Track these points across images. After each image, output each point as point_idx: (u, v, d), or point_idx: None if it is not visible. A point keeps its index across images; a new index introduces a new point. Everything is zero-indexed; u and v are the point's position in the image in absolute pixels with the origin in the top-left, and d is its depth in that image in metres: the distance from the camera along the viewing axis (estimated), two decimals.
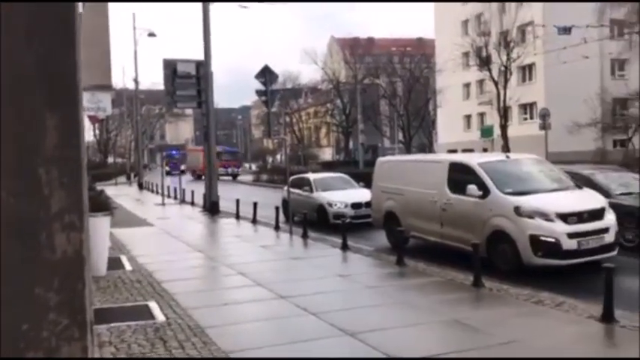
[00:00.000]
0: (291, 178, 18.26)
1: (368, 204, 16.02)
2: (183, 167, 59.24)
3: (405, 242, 11.55)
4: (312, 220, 15.32)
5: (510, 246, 9.17)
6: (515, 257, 9.11)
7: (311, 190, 17.26)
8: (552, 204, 9.28)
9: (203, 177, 48.83)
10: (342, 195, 16.67)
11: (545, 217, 9.04)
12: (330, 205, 16.22)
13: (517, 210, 9.19)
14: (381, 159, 14.41)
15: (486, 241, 9.44)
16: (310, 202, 16.83)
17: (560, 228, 8.94)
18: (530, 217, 9.09)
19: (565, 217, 9.07)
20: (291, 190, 16.49)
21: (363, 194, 16.72)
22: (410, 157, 16.55)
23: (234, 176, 48.86)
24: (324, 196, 16.69)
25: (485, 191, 9.72)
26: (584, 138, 39.18)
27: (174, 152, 63.30)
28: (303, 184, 17.81)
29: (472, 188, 9.83)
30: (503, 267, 9.20)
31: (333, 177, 19.18)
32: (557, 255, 8.89)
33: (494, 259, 9.36)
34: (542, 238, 8.89)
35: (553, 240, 8.86)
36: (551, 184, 10.31)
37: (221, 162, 49.80)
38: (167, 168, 54.84)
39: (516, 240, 9.08)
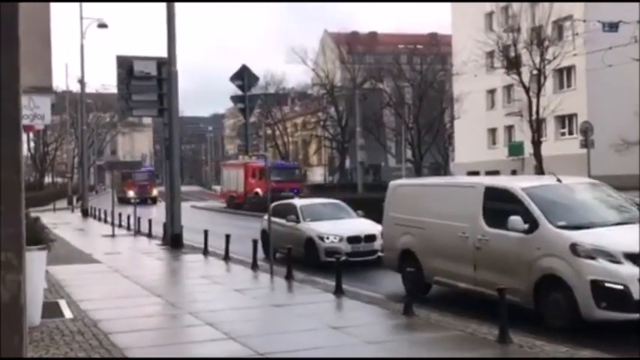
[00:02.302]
0: (273, 204, 18.25)
1: (369, 238, 16.05)
2: (155, 192, 55.95)
3: (427, 289, 11.45)
4: (298, 258, 15.30)
5: (565, 295, 8.83)
6: (572, 309, 8.75)
7: (297, 220, 17.19)
8: (618, 241, 8.91)
9: (245, 203, 43.48)
10: (336, 226, 16.59)
11: (611, 257, 8.70)
12: (322, 238, 16.13)
13: (574, 248, 8.86)
14: (394, 182, 13.92)
15: (534, 288, 9.17)
16: (296, 234, 16.80)
17: (630, 271, 8.47)
18: (592, 257, 8.76)
19: (635, 258, 8.66)
20: (273, 219, 16.49)
21: (362, 226, 16.73)
22: (433, 180, 15.96)
23: None
24: (313, 228, 16.61)
25: (533, 224, 9.42)
26: (634, 159, 39.53)
27: (146, 169, 60.60)
28: (287, 212, 17.70)
29: (515, 220, 9.52)
30: (556, 322, 8.92)
31: (325, 204, 19.15)
32: (627, 307, 8.45)
33: (544, 312, 9.11)
34: (608, 285, 8.52)
35: (621, 287, 8.45)
36: (616, 216, 10.04)
37: (269, 183, 45.25)
38: (131, 193, 53.16)
39: (573, 287, 8.74)
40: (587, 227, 9.31)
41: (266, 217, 17.91)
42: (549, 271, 9.07)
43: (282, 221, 17.30)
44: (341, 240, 15.99)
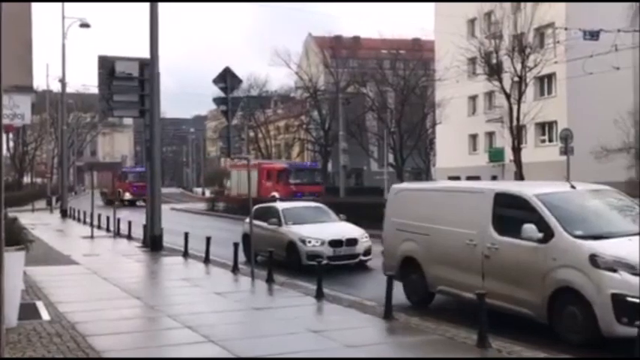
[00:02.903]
0: (255, 207, 18.18)
1: (350, 241, 16.14)
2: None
3: (431, 298, 11.20)
4: (279, 261, 15.26)
5: (582, 309, 8.34)
6: (590, 324, 8.26)
7: (279, 223, 17.15)
8: None
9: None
10: (318, 230, 16.57)
11: (633, 269, 8.17)
12: (303, 242, 16.10)
13: (594, 260, 8.35)
14: (396, 186, 13.37)
15: (548, 301, 8.75)
16: (278, 237, 16.74)
17: None
18: (612, 269, 8.25)
19: None
20: (255, 222, 16.44)
21: (344, 229, 16.77)
22: (438, 184, 15.37)
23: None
24: (295, 231, 16.58)
25: (548, 233, 8.93)
26: (613, 166, 39.97)
27: (140, 169, 58.81)
28: (269, 215, 17.69)
29: (529, 229, 9.02)
30: (571, 337, 8.50)
31: (307, 207, 19.21)
32: None
33: (558, 327, 8.67)
34: (630, 299, 8.02)
35: None
36: (634, 225, 9.40)
37: (288, 186, 39.35)
38: (127, 195, 50.54)
39: (592, 301, 8.24)
40: (606, 237, 8.82)
41: (248, 220, 17.83)
42: (565, 283, 8.62)
43: (264, 224, 17.32)
44: (323, 243, 15.97)
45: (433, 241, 10.98)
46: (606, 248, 8.50)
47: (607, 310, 8.13)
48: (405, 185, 13.87)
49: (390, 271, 11.78)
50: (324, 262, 14.57)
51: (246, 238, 17.28)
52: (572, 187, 10.05)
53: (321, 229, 16.61)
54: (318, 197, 33.57)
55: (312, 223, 17.14)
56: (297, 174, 39.88)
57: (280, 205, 18.65)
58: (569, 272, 8.59)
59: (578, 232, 8.84)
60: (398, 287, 11.40)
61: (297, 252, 16.08)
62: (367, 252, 16.23)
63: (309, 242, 16.05)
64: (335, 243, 16.03)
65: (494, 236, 9.69)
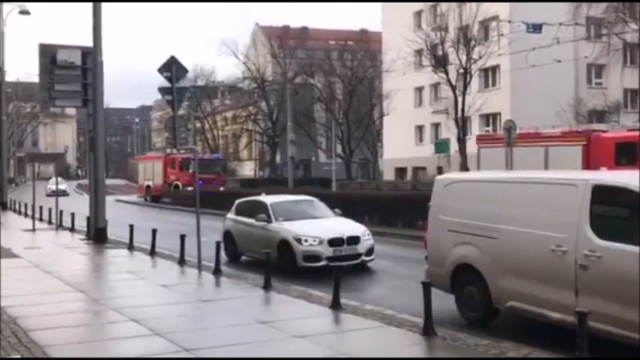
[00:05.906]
0: (239, 201, 17.46)
1: (352, 240, 14.49)
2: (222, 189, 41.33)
3: (493, 316, 9.28)
4: (271, 262, 13.71)
5: None
6: None
7: (268, 220, 15.32)
8: None
9: None
10: (314, 227, 14.86)
11: None
12: (299, 240, 14.31)
13: None
14: (445, 177, 10.96)
15: None
16: (268, 235, 15.05)
17: None
18: None
19: None
20: (239, 218, 16.03)
21: (342, 226, 15.21)
22: (507, 175, 11.51)
23: None
24: (288, 229, 14.76)
25: None
26: None
27: (216, 156, 50.78)
28: (256, 210, 15.90)
29: None
30: None
31: (298, 201, 17.25)
32: None
33: None
34: None
35: None
36: None
37: None
38: (190, 189, 39.01)
39: None
40: None
41: (229, 215, 17.12)
42: None
43: (251, 221, 15.78)
44: (321, 242, 14.24)
45: (502, 246, 8.90)
46: None
47: None
48: (457, 176, 11.33)
49: (439, 280, 9.65)
50: (322, 263, 13.82)
51: (228, 236, 16.42)
52: None
53: (318, 226, 14.88)
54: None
55: (305, 219, 15.41)
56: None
57: (269, 199, 16.46)
58: None
59: None
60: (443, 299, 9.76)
61: (292, 252, 14.27)
62: (370, 251, 14.68)
63: (306, 241, 14.26)
64: (335, 242, 14.29)
65: (594, 241, 7.65)
